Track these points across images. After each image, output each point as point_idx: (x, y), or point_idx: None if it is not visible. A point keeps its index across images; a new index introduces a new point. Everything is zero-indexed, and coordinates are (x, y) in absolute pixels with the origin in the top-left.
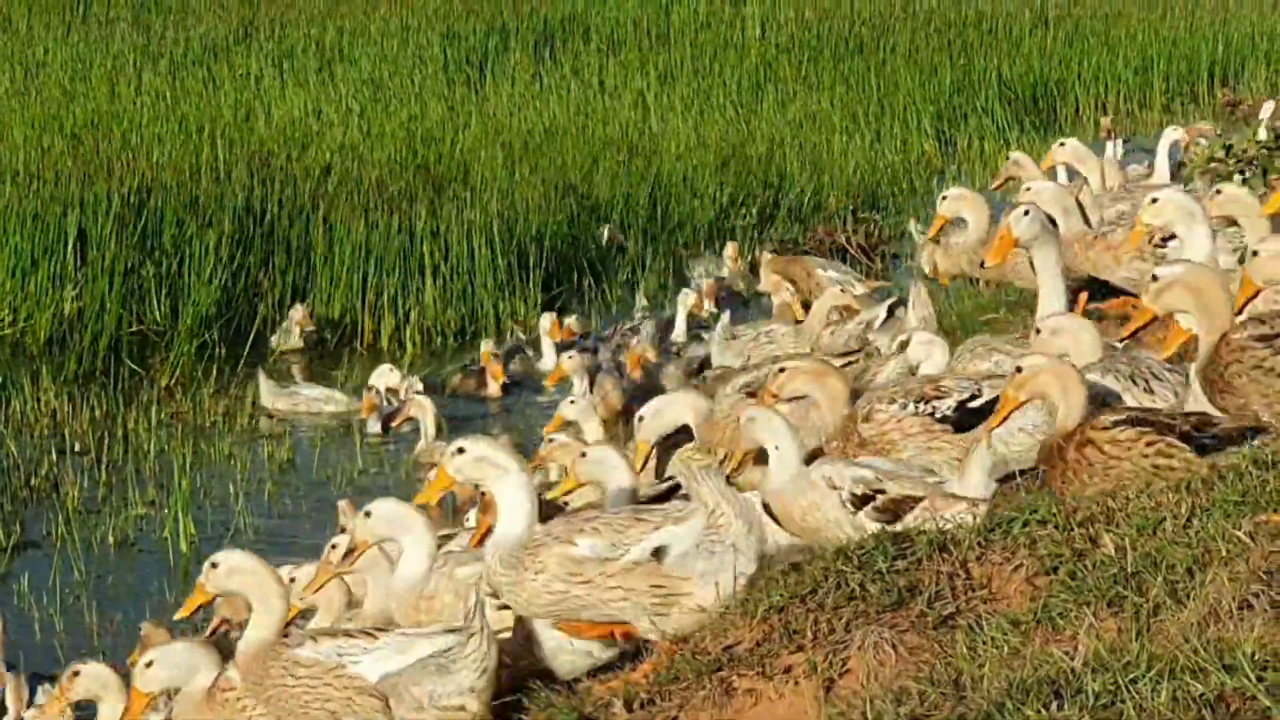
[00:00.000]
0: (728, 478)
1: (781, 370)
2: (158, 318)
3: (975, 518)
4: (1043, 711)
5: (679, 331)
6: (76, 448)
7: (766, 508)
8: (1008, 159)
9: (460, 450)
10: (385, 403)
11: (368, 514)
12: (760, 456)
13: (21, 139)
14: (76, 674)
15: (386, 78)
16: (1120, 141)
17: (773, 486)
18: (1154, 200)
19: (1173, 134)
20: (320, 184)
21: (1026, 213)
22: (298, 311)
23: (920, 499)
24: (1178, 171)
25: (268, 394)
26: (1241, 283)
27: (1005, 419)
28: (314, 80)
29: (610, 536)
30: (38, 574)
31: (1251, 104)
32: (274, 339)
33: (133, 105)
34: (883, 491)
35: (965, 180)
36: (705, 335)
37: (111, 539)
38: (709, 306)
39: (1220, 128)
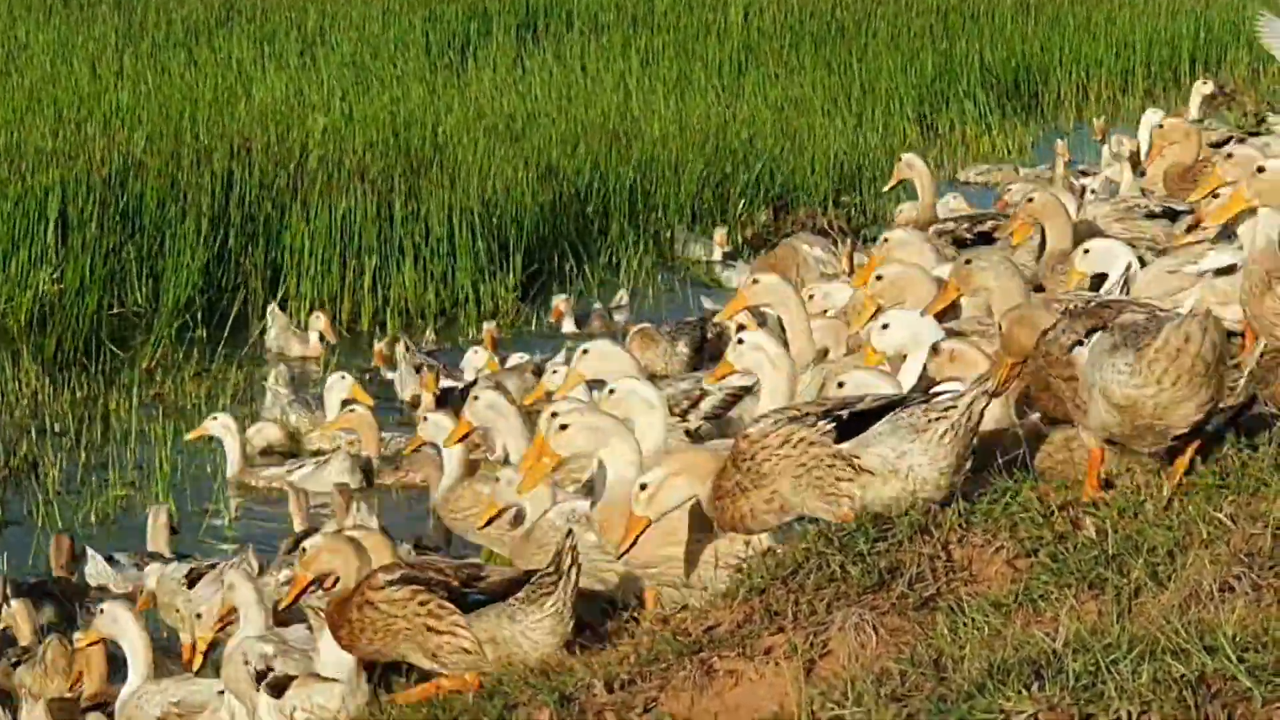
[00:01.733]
0: None
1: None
2: (138, 299)
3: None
4: (1024, 692)
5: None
6: (57, 429)
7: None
8: (899, 160)
9: None
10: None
11: None
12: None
13: (2, 121)
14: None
15: (368, 61)
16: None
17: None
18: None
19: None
20: (301, 166)
21: (478, 398)
22: (320, 320)
23: (294, 678)
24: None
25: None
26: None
27: (295, 600)
28: (295, 63)
29: None
30: (17, 555)
31: (1233, 88)
32: (274, 340)
33: (114, 87)
34: (272, 669)
35: (944, 166)
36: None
37: (92, 520)
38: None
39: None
